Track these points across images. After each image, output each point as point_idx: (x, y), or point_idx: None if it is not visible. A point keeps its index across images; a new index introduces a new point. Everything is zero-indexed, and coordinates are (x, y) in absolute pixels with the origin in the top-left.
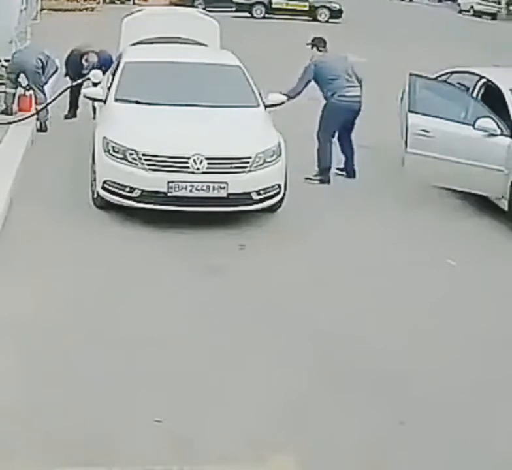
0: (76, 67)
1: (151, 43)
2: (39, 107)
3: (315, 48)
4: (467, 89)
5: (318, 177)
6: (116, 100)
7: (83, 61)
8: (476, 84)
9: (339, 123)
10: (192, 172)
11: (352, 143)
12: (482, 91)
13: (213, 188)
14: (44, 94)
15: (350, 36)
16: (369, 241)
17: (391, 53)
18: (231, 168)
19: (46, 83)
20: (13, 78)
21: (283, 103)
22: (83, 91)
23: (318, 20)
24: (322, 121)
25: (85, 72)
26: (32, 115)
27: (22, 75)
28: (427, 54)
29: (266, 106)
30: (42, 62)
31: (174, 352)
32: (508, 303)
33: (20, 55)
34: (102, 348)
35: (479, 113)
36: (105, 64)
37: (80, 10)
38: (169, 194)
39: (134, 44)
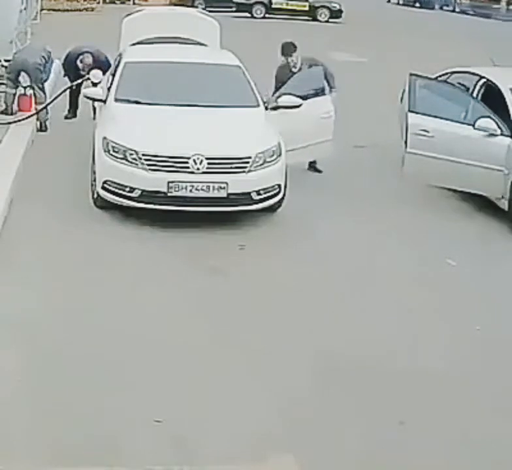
0: (73, 68)
1: (151, 43)
2: (39, 107)
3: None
4: (467, 89)
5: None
6: (116, 100)
7: (78, 63)
8: (476, 84)
9: None
10: (192, 172)
11: None
12: (482, 91)
13: (213, 188)
14: (45, 93)
15: (350, 36)
16: (369, 241)
17: (391, 52)
18: (231, 168)
19: (47, 79)
20: (13, 78)
21: (300, 106)
22: (83, 91)
23: (318, 20)
24: None
25: (83, 73)
26: (32, 115)
27: (23, 74)
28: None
29: (277, 108)
30: (44, 58)
31: (174, 352)
32: (508, 303)
33: (21, 54)
34: (102, 347)
35: (479, 113)
36: (101, 65)
37: (80, 10)
38: (169, 194)
39: (134, 44)
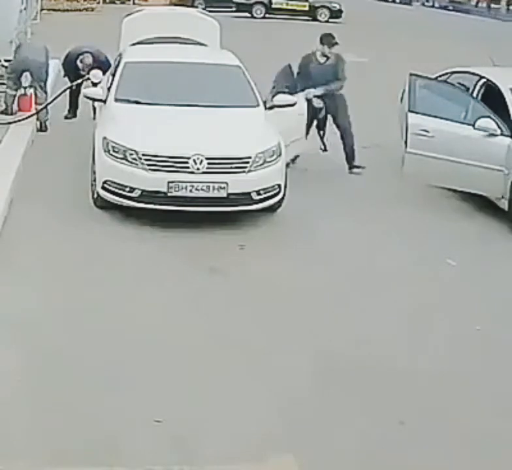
0: (73, 68)
1: (151, 43)
2: (39, 107)
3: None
4: (467, 89)
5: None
6: (116, 100)
7: (78, 63)
8: (476, 84)
9: None
10: (192, 172)
11: None
12: (482, 91)
13: (213, 188)
14: (46, 93)
15: (350, 36)
16: (369, 241)
17: (391, 52)
18: (231, 168)
19: (47, 72)
20: (15, 78)
21: (294, 104)
22: (83, 91)
23: (318, 20)
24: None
25: (83, 73)
26: (32, 115)
27: (25, 74)
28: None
29: (273, 107)
30: (47, 57)
31: (174, 352)
32: (508, 303)
33: (24, 53)
34: (102, 347)
35: (479, 113)
36: (101, 65)
37: (80, 10)
38: (169, 194)
39: (134, 44)
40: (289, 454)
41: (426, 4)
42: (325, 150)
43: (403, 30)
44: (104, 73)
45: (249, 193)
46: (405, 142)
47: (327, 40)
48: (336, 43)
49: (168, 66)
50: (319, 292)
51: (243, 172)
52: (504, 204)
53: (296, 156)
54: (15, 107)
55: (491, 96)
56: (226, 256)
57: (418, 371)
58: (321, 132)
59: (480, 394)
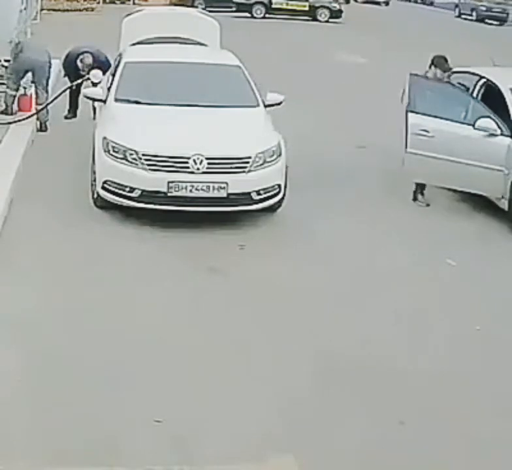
0: (73, 68)
1: (151, 43)
2: (39, 107)
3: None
4: (467, 89)
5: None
6: (116, 100)
7: (78, 63)
8: (476, 84)
9: None
10: (193, 172)
11: None
12: (482, 91)
13: (213, 188)
14: (48, 93)
15: (350, 36)
16: (369, 241)
17: (391, 53)
18: (231, 168)
19: (49, 77)
20: (15, 78)
21: (281, 103)
22: (83, 91)
23: (318, 20)
24: None
25: (83, 73)
26: (32, 115)
27: (27, 73)
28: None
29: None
30: (49, 57)
31: (174, 352)
32: (508, 303)
33: (26, 52)
34: (102, 347)
35: (479, 113)
36: (101, 65)
37: (80, 10)
38: (169, 194)
39: (134, 44)
40: (289, 454)
41: None
42: None
43: (401, 29)
44: (104, 73)
45: (249, 193)
46: (405, 142)
47: (439, 63)
48: (450, 68)
49: (168, 66)
50: (319, 292)
51: (243, 172)
52: (504, 204)
53: None
54: (15, 107)
55: (491, 96)
56: (226, 256)
57: (418, 371)
58: None
59: (480, 394)
